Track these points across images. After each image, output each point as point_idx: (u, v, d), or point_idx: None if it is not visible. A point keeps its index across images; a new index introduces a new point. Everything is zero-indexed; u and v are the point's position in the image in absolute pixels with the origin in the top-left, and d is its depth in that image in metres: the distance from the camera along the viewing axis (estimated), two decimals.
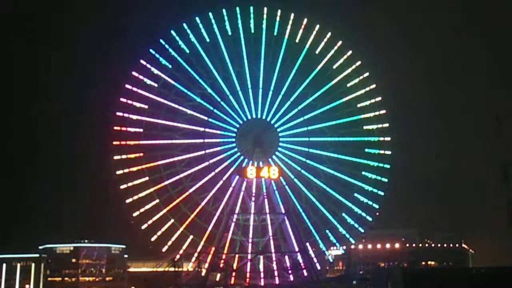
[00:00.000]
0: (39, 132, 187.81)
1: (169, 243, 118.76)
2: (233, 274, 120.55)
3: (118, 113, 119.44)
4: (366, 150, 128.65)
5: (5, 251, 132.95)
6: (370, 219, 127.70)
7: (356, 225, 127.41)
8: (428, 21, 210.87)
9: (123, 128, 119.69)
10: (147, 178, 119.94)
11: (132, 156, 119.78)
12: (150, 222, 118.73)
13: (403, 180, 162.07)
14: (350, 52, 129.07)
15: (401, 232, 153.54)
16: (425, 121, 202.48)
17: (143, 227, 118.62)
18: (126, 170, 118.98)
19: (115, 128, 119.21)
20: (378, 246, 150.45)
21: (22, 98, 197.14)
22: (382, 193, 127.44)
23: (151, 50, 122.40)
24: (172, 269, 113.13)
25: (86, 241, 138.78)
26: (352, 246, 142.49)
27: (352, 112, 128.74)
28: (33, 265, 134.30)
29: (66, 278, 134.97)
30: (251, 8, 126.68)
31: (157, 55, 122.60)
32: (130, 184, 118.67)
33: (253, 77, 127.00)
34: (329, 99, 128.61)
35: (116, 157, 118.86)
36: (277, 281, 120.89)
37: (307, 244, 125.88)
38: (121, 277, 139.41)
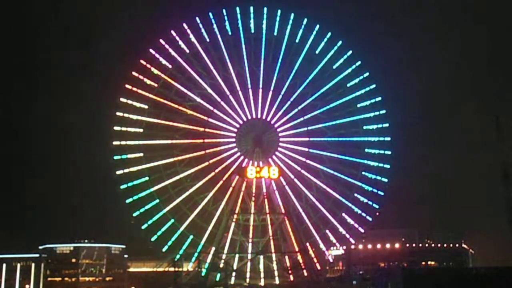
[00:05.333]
0: (38, 132, 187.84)
1: (169, 243, 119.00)
2: (233, 274, 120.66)
3: (118, 113, 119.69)
4: (366, 150, 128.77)
5: (5, 251, 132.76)
6: (370, 219, 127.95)
7: (356, 225, 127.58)
8: (428, 21, 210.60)
9: (123, 128, 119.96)
10: (147, 178, 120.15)
11: (132, 156, 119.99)
12: (150, 222, 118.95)
13: (403, 180, 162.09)
14: (350, 52, 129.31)
15: (401, 232, 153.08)
16: (425, 121, 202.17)
17: (143, 227, 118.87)
18: (126, 170, 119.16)
19: (115, 128, 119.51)
20: (378, 246, 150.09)
21: (22, 97, 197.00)
22: (382, 193, 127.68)
23: (151, 50, 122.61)
24: (172, 269, 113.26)
25: (86, 241, 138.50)
26: (352, 246, 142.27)
27: (352, 112, 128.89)
28: (33, 265, 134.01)
29: (66, 278, 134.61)
30: (251, 8, 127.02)
31: (157, 55, 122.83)
32: (130, 184, 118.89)
33: (253, 77, 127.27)
34: (329, 99, 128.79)
35: (116, 157, 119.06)
36: (277, 281, 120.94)
37: (307, 244, 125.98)
38: (121, 277, 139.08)
